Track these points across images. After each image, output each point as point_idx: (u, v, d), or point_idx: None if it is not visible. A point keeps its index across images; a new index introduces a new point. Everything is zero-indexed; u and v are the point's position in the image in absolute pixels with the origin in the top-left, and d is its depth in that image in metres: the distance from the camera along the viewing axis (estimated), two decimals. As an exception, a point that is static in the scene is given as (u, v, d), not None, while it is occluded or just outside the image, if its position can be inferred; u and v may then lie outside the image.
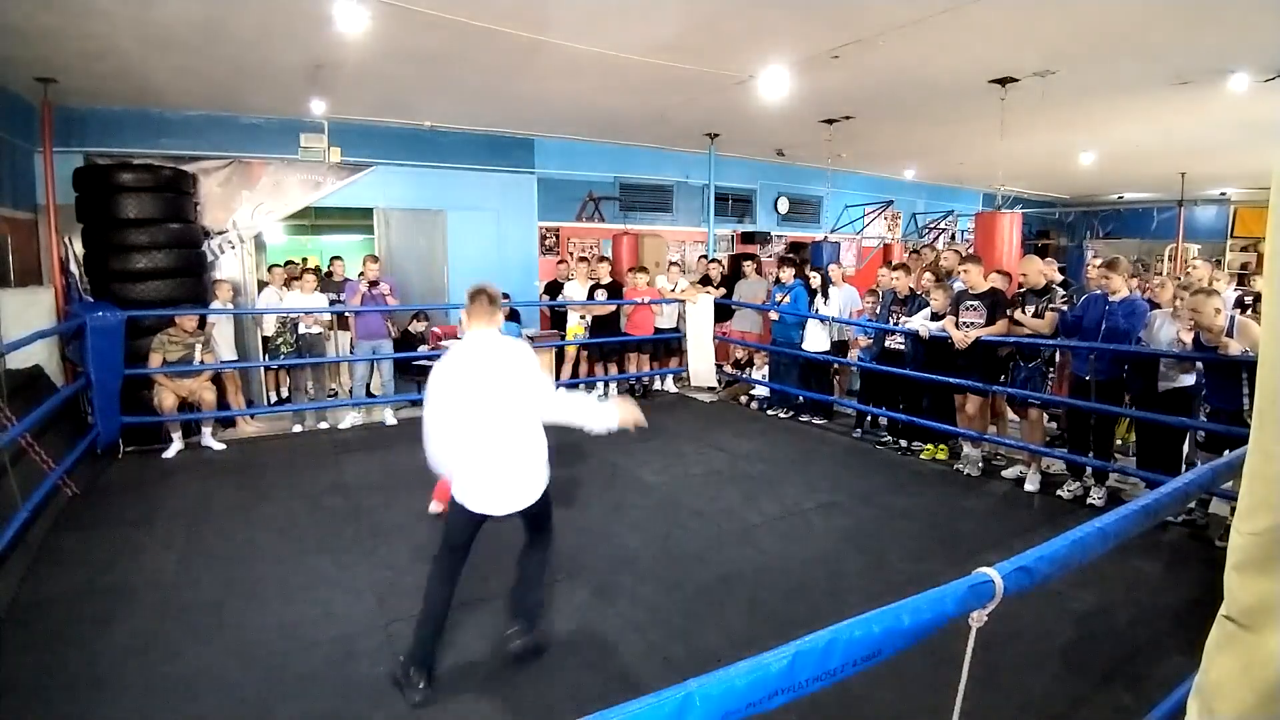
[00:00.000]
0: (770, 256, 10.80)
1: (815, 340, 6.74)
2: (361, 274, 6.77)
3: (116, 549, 3.90)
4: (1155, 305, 4.75)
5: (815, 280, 6.92)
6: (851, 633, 1.22)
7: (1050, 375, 5.07)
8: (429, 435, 2.75)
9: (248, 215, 7.35)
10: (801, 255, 9.81)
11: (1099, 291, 4.71)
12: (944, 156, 10.61)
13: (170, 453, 5.69)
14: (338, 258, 8.22)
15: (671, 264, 8.67)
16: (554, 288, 8.29)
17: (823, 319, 6.66)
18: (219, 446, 5.92)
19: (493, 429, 2.69)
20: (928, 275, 6.00)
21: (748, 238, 11.05)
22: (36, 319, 5.46)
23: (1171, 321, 4.38)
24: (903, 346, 5.91)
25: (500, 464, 2.70)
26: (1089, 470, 4.83)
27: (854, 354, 6.62)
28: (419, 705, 2.61)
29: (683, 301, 7.77)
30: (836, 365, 6.89)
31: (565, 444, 5.95)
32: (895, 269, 6.26)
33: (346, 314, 6.92)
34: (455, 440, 2.71)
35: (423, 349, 7.21)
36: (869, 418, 6.58)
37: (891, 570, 3.72)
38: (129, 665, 2.81)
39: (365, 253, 7.38)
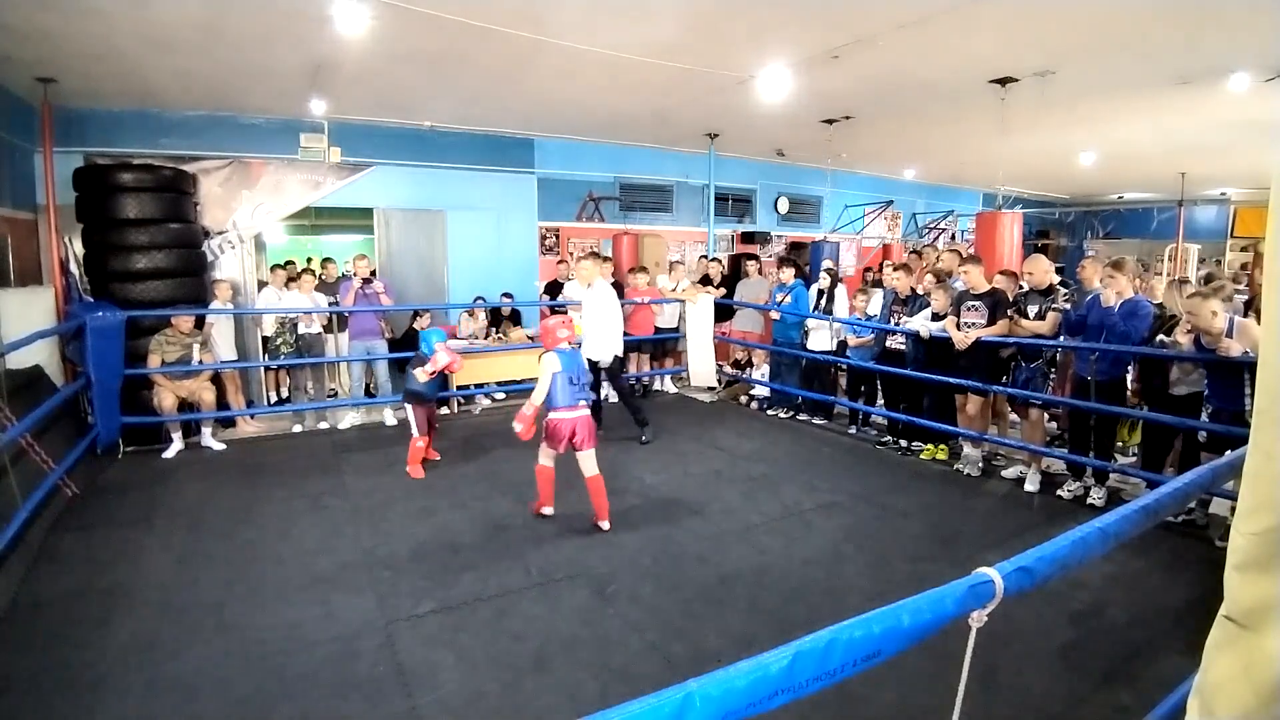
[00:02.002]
0: (770, 256, 10.80)
1: (821, 341, 6.73)
2: (355, 273, 6.77)
3: (116, 549, 3.90)
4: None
5: (825, 281, 6.88)
6: (851, 633, 1.22)
7: (1051, 376, 5.06)
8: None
9: (248, 215, 7.35)
10: (801, 257, 9.81)
11: (1099, 292, 4.70)
12: (944, 156, 10.62)
13: (170, 453, 5.68)
14: (329, 259, 8.22)
15: (676, 263, 8.68)
16: (554, 288, 8.30)
17: (825, 318, 6.65)
18: (219, 447, 5.92)
19: None
20: (929, 277, 6.00)
21: (748, 238, 11.05)
22: (36, 319, 5.45)
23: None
24: (903, 347, 5.91)
25: None
26: (1089, 470, 4.83)
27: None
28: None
29: (683, 301, 7.76)
30: (840, 365, 6.87)
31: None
32: (896, 269, 6.25)
33: (343, 314, 6.92)
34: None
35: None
36: (861, 415, 6.66)
37: (891, 570, 3.72)
38: (129, 665, 2.81)
39: (364, 253, 7.38)
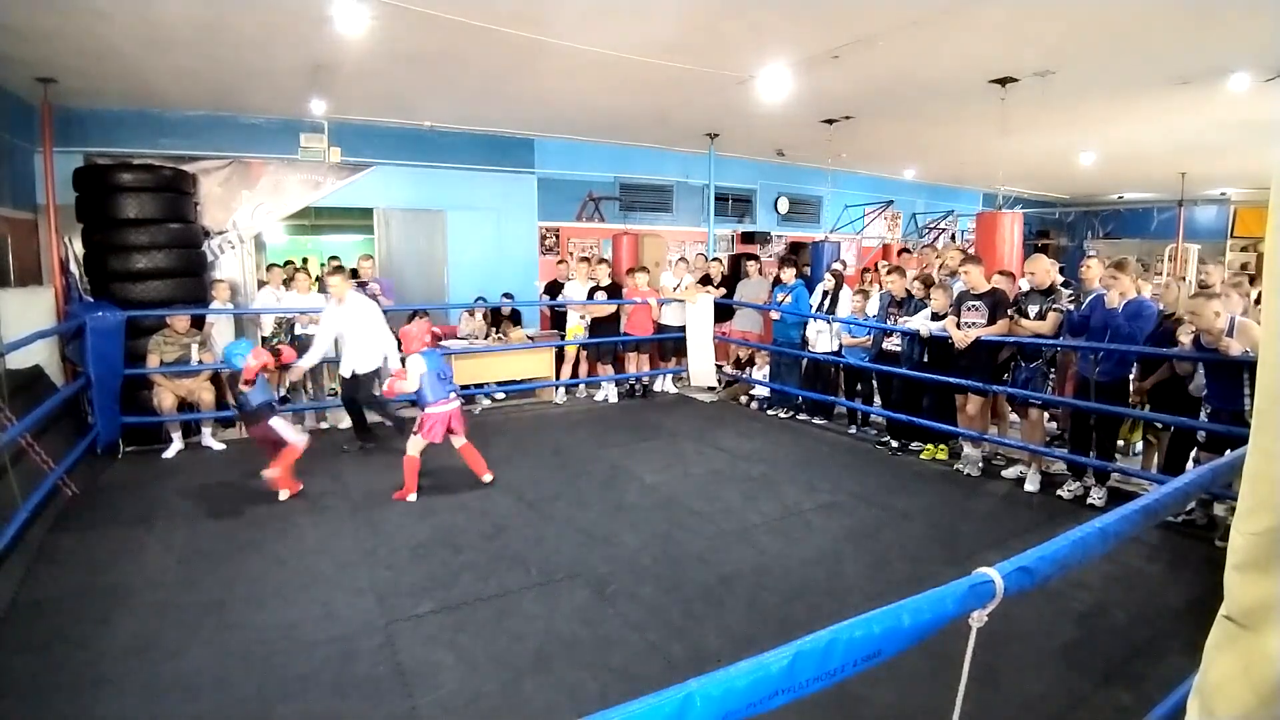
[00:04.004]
0: (770, 256, 10.81)
1: (825, 342, 6.72)
2: (354, 273, 6.76)
3: (116, 549, 3.90)
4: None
5: (830, 282, 6.86)
6: (852, 633, 1.22)
7: (1051, 376, 5.06)
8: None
9: (248, 215, 7.35)
10: (801, 257, 9.80)
11: (1101, 292, 4.70)
12: (944, 156, 10.62)
13: (170, 453, 5.68)
14: (335, 258, 8.22)
15: (680, 259, 8.69)
16: (554, 288, 8.30)
17: (827, 319, 6.64)
18: (219, 446, 5.91)
19: None
20: (916, 284, 6.00)
21: (748, 238, 11.05)
22: (36, 319, 5.45)
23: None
24: (899, 348, 5.91)
25: None
26: (1089, 470, 4.83)
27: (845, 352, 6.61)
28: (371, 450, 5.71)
29: (682, 301, 7.77)
30: (841, 366, 6.86)
31: (567, 443, 5.98)
32: (890, 272, 6.25)
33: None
34: None
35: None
36: (861, 415, 6.68)
37: (891, 570, 3.72)
38: (129, 665, 2.81)
39: (365, 252, 7.39)
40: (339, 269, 5.75)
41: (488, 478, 4.89)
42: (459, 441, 4.82)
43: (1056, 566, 1.54)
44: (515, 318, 8.12)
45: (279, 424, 4.59)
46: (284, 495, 4.61)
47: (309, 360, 5.38)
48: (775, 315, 7.09)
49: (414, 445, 4.66)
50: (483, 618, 3.17)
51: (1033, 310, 4.92)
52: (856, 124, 7.87)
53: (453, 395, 4.72)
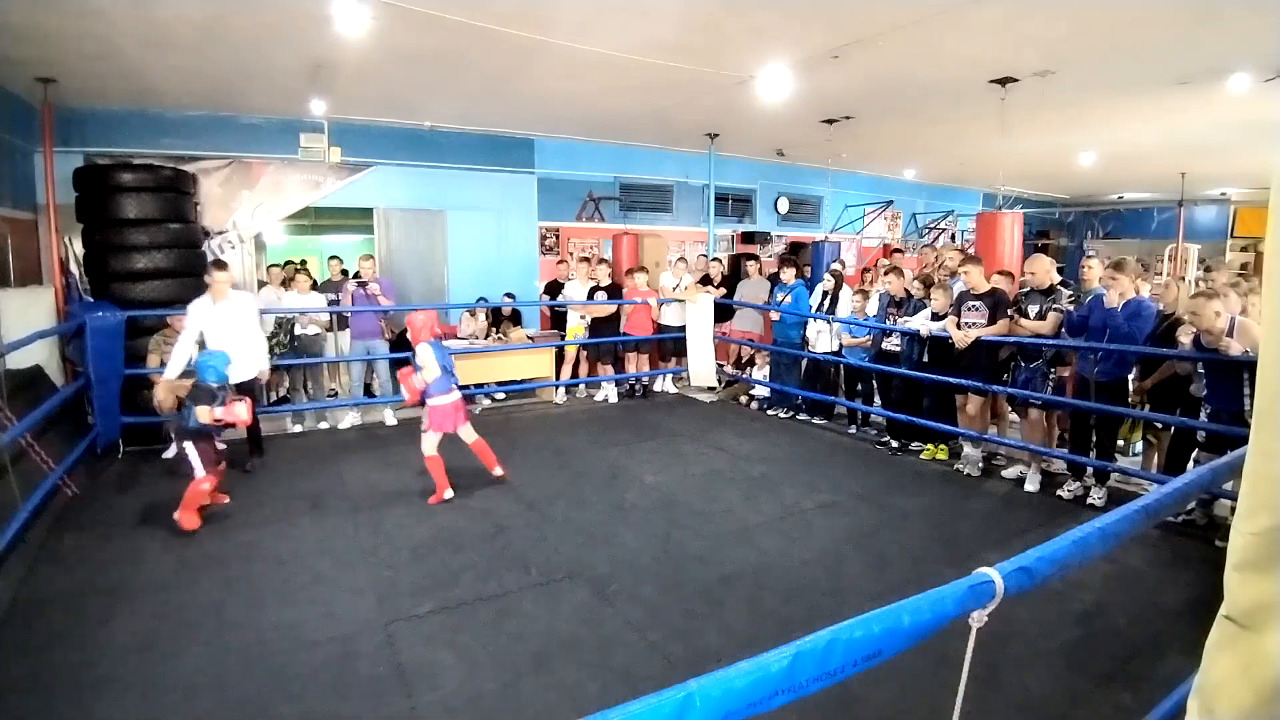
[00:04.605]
0: (770, 256, 10.81)
1: (825, 342, 6.72)
2: (356, 274, 6.76)
3: (116, 549, 3.90)
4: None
5: (829, 282, 6.85)
6: (852, 633, 1.22)
7: (1052, 376, 5.05)
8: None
9: (248, 215, 7.36)
10: (801, 257, 9.80)
11: (1101, 291, 4.70)
12: (944, 156, 10.62)
13: (170, 453, 5.66)
14: (335, 258, 8.21)
15: (680, 259, 8.70)
16: (554, 288, 8.30)
17: (827, 319, 6.64)
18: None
19: None
20: (916, 284, 6.00)
21: (748, 238, 11.06)
22: (36, 319, 5.45)
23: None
24: (899, 348, 5.91)
25: None
26: (1090, 470, 4.83)
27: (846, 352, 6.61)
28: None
29: (682, 301, 7.77)
30: (841, 366, 6.85)
31: (567, 443, 5.98)
32: (888, 272, 6.25)
33: (342, 314, 6.91)
34: None
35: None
36: (861, 415, 6.68)
37: (891, 570, 3.72)
38: (129, 665, 2.81)
39: (365, 253, 7.38)
40: (223, 264, 5.32)
41: (498, 471, 4.90)
42: (469, 436, 4.81)
43: (1056, 566, 1.53)
44: (515, 318, 8.13)
45: (192, 454, 4.22)
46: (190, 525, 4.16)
47: (171, 370, 4.75)
48: (775, 315, 7.10)
49: (429, 443, 4.63)
50: (483, 618, 3.17)
51: (1033, 310, 4.92)
52: (856, 124, 7.87)
53: (453, 387, 4.73)
